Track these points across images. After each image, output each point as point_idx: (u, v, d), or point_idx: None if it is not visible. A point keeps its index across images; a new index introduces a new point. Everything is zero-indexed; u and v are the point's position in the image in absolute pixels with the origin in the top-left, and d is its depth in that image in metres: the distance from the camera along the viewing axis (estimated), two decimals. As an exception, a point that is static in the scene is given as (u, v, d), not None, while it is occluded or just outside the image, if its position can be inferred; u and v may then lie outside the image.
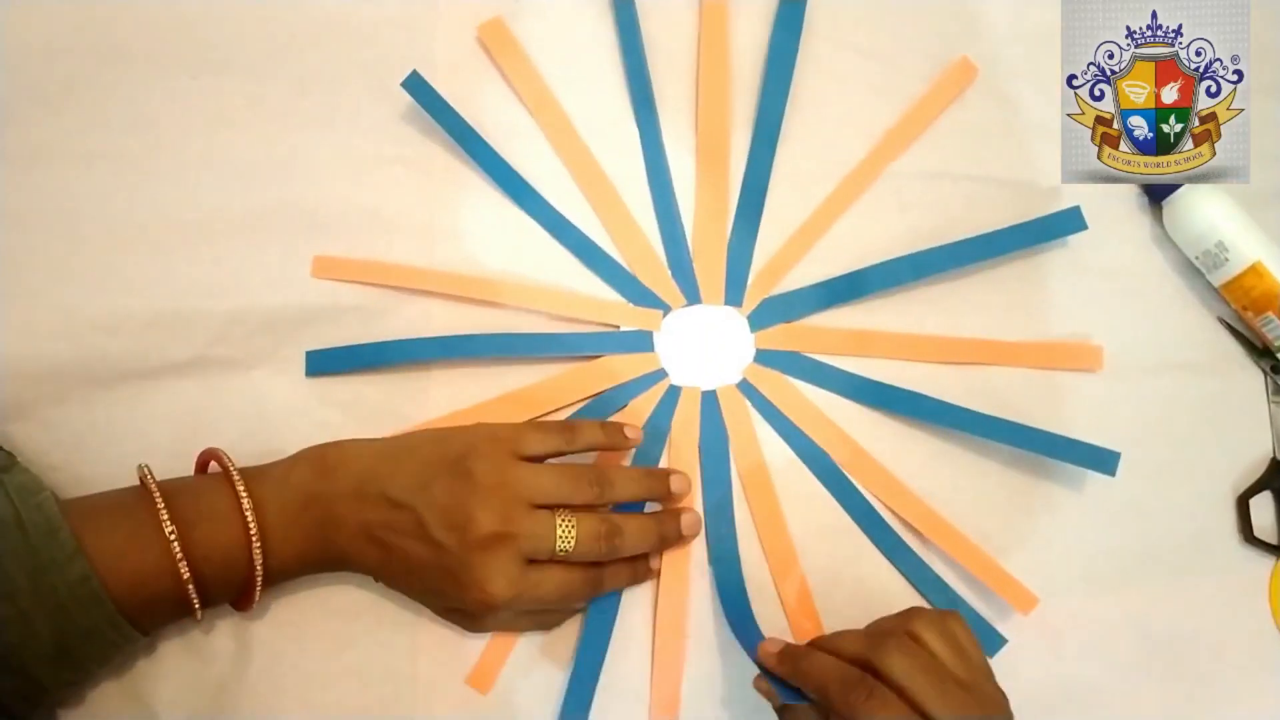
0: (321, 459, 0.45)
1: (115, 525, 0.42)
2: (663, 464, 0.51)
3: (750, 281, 0.53)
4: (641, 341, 0.52)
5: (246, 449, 0.45)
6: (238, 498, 0.42)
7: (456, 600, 0.45)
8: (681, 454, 0.51)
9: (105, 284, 0.48)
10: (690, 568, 0.50)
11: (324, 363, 0.49)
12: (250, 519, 0.42)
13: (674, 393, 0.52)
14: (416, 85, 0.50)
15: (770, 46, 0.51)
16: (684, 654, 0.50)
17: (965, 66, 0.53)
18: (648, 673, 0.50)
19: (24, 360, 0.47)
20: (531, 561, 0.44)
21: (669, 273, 0.52)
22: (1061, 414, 0.53)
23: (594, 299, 0.52)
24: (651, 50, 0.52)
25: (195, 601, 0.42)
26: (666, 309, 0.52)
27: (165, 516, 0.41)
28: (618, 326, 0.52)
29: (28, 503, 0.40)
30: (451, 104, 0.51)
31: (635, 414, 0.52)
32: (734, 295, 0.53)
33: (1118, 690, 0.51)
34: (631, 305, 0.52)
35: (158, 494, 0.42)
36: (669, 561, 0.50)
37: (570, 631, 0.50)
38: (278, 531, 0.43)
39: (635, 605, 0.50)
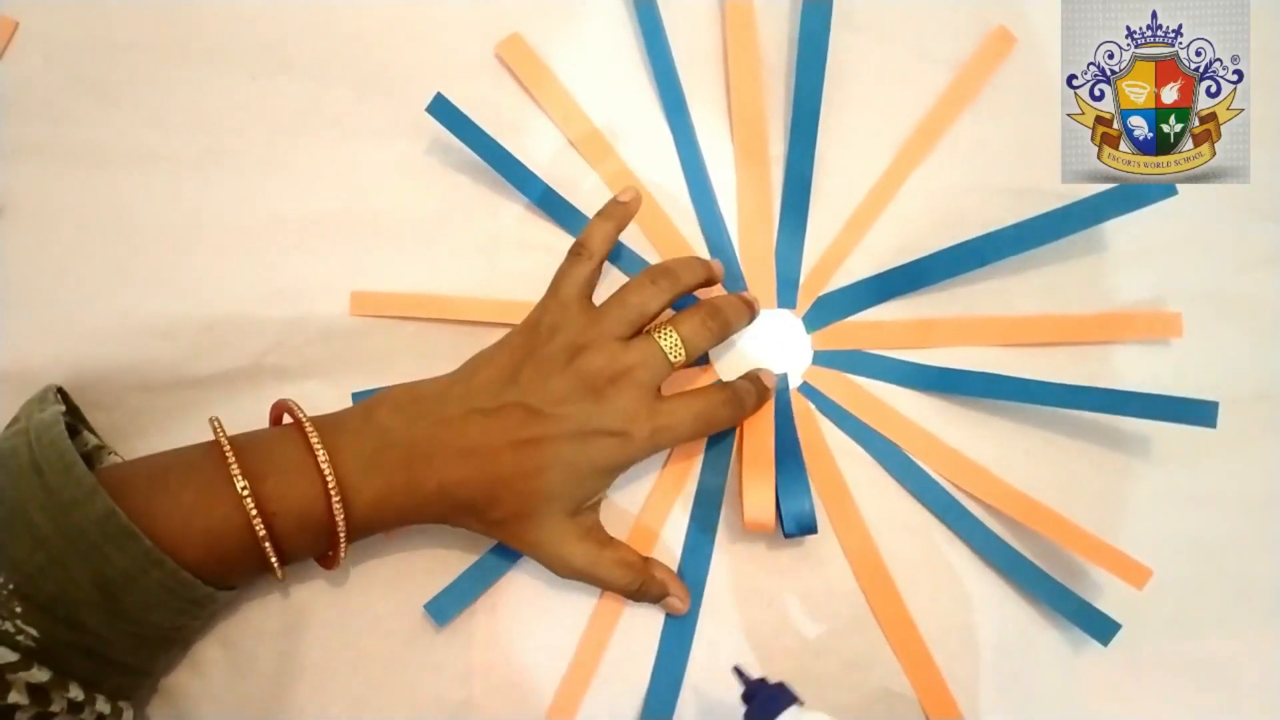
0: (395, 399, 0.43)
1: (183, 478, 0.40)
2: (730, 478, 0.50)
3: (802, 282, 0.52)
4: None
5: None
6: (310, 448, 0.41)
7: (596, 463, 0.43)
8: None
9: (161, 288, 0.48)
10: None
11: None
12: (326, 469, 0.40)
13: (734, 402, 0.51)
14: (442, 109, 0.49)
15: (800, 39, 0.51)
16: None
17: (1003, 36, 0.53)
18: (727, 706, 0.46)
19: (76, 362, 0.46)
20: (660, 397, 0.44)
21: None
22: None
23: (645, 314, 0.51)
24: (677, 52, 0.52)
25: (273, 559, 0.40)
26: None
27: (236, 471, 0.39)
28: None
29: (42, 440, 0.39)
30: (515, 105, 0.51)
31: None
32: (787, 297, 0.52)
33: None
34: (683, 316, 0.51)
35: (230, 449, 0.40)
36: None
37: (641, 669, 0.48)
38: (356, 478, 0.41)
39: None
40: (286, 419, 0.43)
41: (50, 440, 0.39)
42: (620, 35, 0.53)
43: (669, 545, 0.49)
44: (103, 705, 0.40)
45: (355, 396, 0.48)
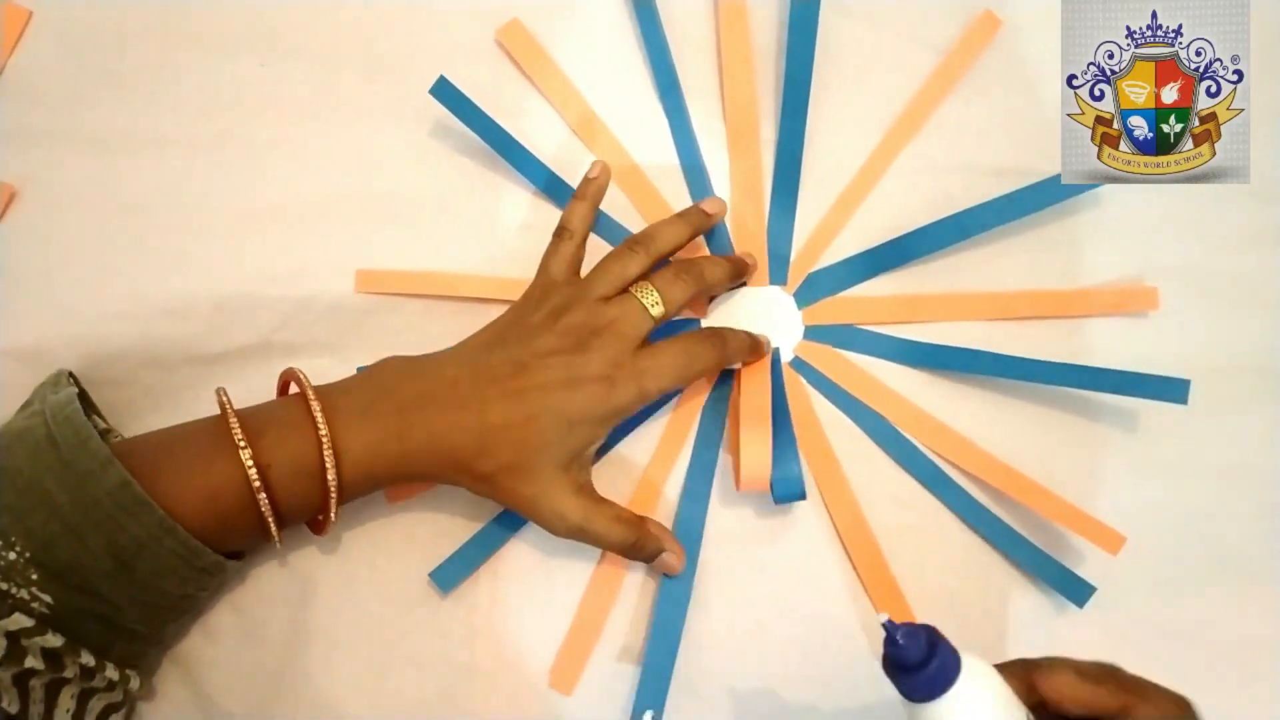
0: (395, 362, 0.45)
1: (187, 444, 0.42)
2: (722, 449, 0.51)
3: (793, 259, 0.53)
4: (690, 328, 0.52)
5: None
6: (309, 406, 0.42)
7: (584, 410, 0.44)
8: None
9: (174, 268, 0.49)
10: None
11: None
12: (319, 419, 0.41)
13: (727, 377, 0.52)
14: (445, 92, 0.50)
15: (790, 23, 0.52)
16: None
17: (989, 20, 0.55)
18: (721, 670, 0.49)
19: (90, 341, 0.48)
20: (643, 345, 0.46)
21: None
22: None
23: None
24: (671, 36, 0.54)
25: (268, 514, 0.41)
26: (712, 295, 0.53)
27: (236, 427, 0.41)
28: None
29: (58, 417, 0.40)
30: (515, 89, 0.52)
31: (690, 402, 0.52)
32: (778, 274, 0.53)
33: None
34: (678, 294, 0.53)
35: (231, 411, 0.42)
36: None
37: (640, 628, 0.49)
38: (349, 430, 0.42)
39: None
40: (294, 389, 0.45)
41: (66, 416, 0.40)
42: (616, 21, 0.54)
43: (666, 511, 0.51)
44: (112, 672, 0.41)
45: (361, 370, 0.49)
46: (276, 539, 0.42)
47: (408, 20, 0.53)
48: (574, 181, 0.52)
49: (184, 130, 0.51)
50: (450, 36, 0.53)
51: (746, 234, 0.54)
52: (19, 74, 0.50)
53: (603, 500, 0.47)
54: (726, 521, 0.51)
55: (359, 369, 0.49)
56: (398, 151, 0.52)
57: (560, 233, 0.48)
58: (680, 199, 0.54)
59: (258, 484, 0.40)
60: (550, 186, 0.52)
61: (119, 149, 0.50)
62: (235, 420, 0.41)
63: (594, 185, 0.49)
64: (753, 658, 0.49)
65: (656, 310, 0.46)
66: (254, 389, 0.47)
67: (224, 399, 0.42)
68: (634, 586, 0.50)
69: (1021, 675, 0.37)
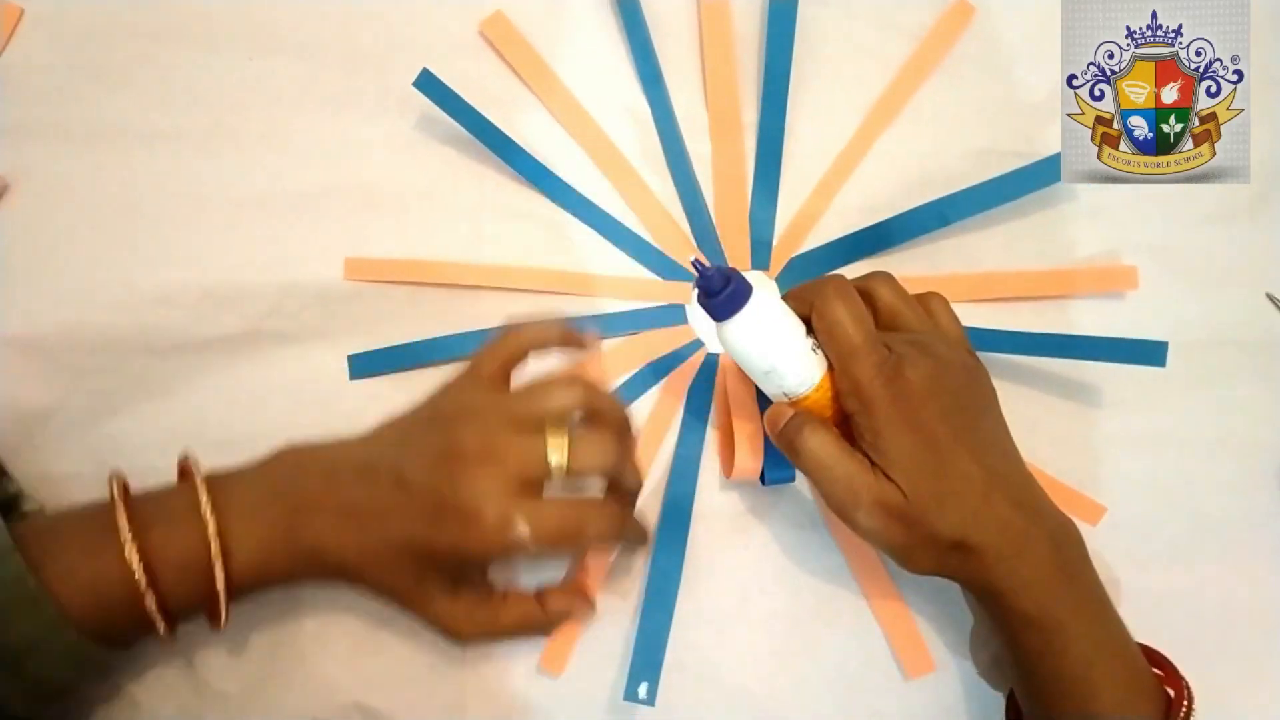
0: (298, 452, 0.43)
1: (74, 533, 0.40)
2: (710, 430, 0.52)
3: (775, 244, 0.54)
4: (674, 315, 0.53)
5: (297, 420, 0.46)
6: (198, 498, 0.40)
7: (447, 548, 0.40)
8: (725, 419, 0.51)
9: (164, 258, 0.50)
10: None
11: (366, 365, 0.50)
12: (207, 514, 0.39)
13: (712, 360, 0.53)
14: (429, 84, 0.51)
15: (770, 12, 0.53)
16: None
17: (963, 8, 0.56)
18: (713, 647, 0.50)
19: (82, 330, 0.49)
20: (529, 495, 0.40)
21: (695, 244, 0.54)
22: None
23: (623, 278, 0.53)
24: (653, 25, 0.55)
25: (153, 607, 0.39)
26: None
27: (123, 519, 0.39)
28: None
29: None
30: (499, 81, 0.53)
31: (675, 385, 0.52)
32: (760, 259, 0.54)
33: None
34: (662, 280, 0.54)
35: (118, 497, 0.40)
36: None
37: (629, 616, 0.50)
38: (240, 525, 0.40)
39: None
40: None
41: None
42: (599, 13, 0.55)
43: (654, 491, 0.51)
44: None
45: (351, 359, 0.50)
46: (162, 631, 0.40)
47: (391, 13, 0.53)
48: (558, 171, 0.53)
49: (173, 123, 0.51)
50: (434, 29, 0.54)
51: (730, 220, 0.54)
52: (11, 70, 0.51)
53: (500, 602, 0.45)
54: (715, 500, 0.51)
55: (350, 358, 0.50)
56: (383, 142, 0.52)
57: (512, 331, 0.45)
58: (664, 185, 0.54)
59: (142, 580, 0.38)
60: (535, 175, 0.53)
61: (110, 142, 0.51)
62: (123, 512, 0.39)
63: (580, 348, 0.47)
64: (741, 631, 0.50)
65: (557, 464, 0.40)
66: (244, 376, 0.49)
67: (114, 486, 0.40)
68: (623, 565, 0.50)
69: (800, 297, 0.43)
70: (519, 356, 0.44)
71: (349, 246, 0.51)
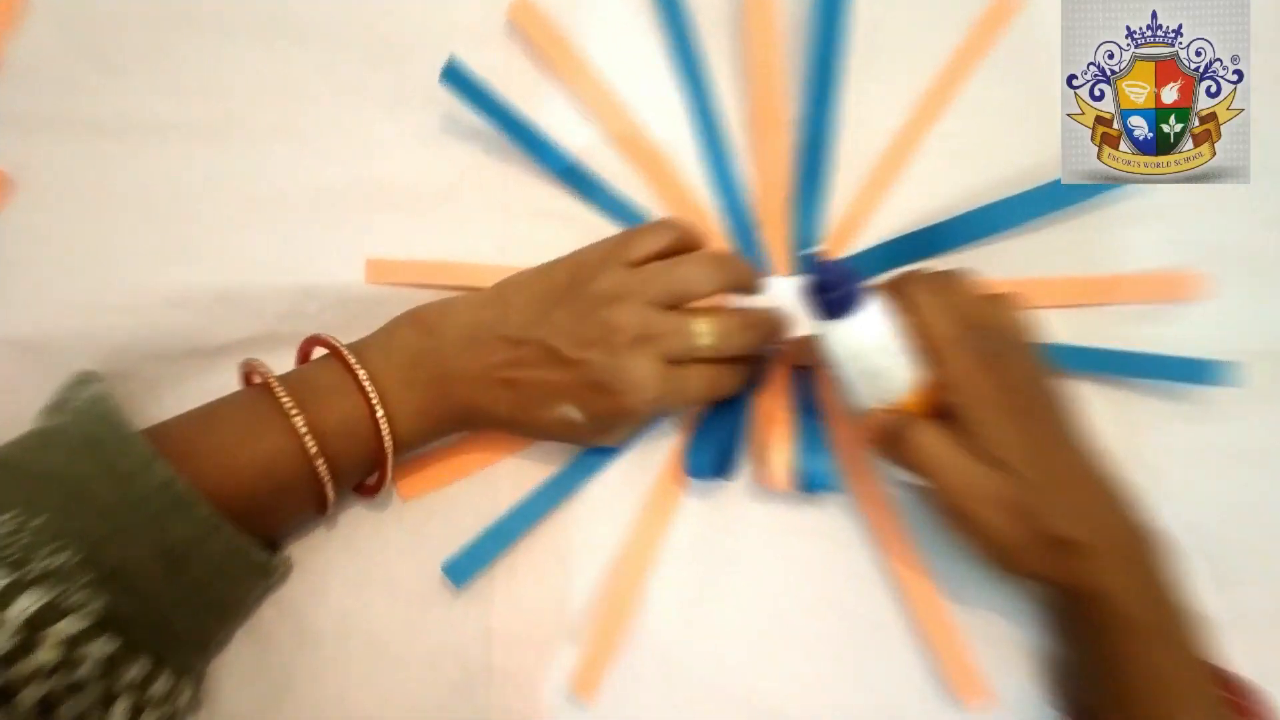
0: (421, 319, 0.45)
1: (226, 422, 0.42)
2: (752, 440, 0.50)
3: (819, 247, 0.52)
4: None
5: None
6: (350, 370, 0.42)
7: (603, 413, 0.44)
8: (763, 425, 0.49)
9: (175, 257, 0.48)
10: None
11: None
12: (368, 386, 0.42)
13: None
14: (455, 75, 0.49)
15: (815, 3, 0.51)
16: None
17: None
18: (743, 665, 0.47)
19: (92, 332, 0.47)
20: (673, 366, 0.44)
21: (734, 245, 0.52)
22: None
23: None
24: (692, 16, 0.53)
25: (326, 479, 0.41)
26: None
27: (284, 395, 0.41)
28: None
29: (93, 415, 0.40)
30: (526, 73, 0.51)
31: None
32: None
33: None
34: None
35: (273, 378, 0.42)
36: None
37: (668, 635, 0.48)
38: (395, 393, 0.43)
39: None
40: (317, 353, 0.45)
41: (101, 414, 0.40)
42: (631, 1, 0.53)
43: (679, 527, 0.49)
44: (165, 683, 0.40)
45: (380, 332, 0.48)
46: (331, 497, 0.42)
47: (411, 3, 0.51)
48: (592, 166, 0.51)
49: (185, 116, 0.50)
50: (455, 21, 0.52)
51: (771, 220, 0.52)
52: (17, 61, 0.50)
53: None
54: (752, 511, 0.49)
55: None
56: (403, 137, 0.51)
57: (665, 223, 0.47)
58: (700, 185, 0.52)
59: (314, 449, 0.41)
60: (568, 173, 0.51)
61: (119, 136, 0.49)
62: (282, 389, 0.41)
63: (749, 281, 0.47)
64: (779, 649, 0.48)
65: (706, 343, 0.44)
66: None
67: (263, 369, 0.42)
68: (658, 586, 0.48)
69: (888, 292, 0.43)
70: (668, 251, 0.46)
71: (369, 245, 0.49)
